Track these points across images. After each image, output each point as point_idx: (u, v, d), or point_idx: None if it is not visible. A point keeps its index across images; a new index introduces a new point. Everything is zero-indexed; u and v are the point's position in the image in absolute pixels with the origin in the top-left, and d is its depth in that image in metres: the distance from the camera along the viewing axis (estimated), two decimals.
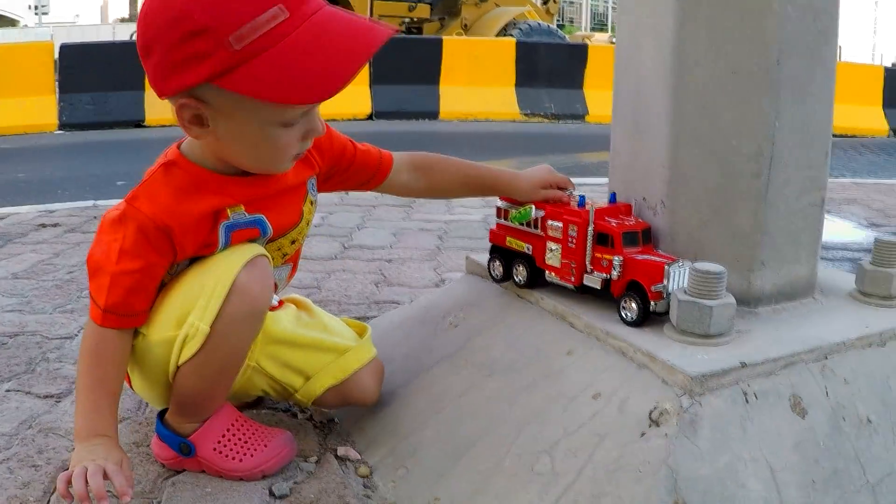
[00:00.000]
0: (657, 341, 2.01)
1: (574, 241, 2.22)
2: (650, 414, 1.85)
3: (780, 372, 1.96)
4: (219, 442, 2.15)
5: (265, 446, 2.17)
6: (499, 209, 2.46)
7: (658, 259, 2.12)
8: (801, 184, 2.24)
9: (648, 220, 2.32)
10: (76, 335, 3.20)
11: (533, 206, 2.35)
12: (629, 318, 2.12)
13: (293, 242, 2.27)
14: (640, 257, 2.14)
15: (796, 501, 1.79)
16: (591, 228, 2.19)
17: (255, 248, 2.05)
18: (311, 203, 2.28)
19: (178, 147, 2.07)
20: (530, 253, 2.36)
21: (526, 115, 14.36)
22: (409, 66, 13.91)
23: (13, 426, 2.45)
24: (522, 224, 2.37)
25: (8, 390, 2.71)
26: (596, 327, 2.13)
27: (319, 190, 2.34)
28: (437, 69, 14.18)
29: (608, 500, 1.76)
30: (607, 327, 2.10)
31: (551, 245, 2.29)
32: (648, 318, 2.10)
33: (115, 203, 2.04)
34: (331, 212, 5.65)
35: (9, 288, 3.87)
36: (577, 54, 15.15)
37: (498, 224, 2.47)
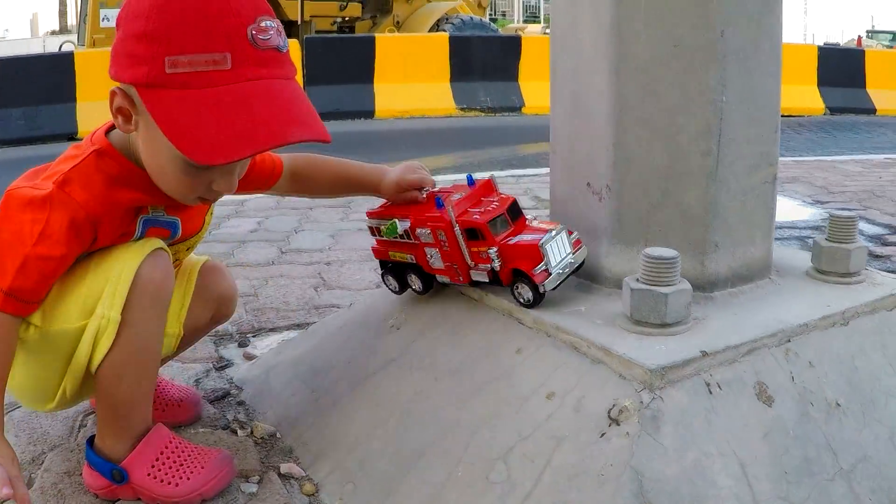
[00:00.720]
0: (611, 333, 1.91)
1: (446, 243, 2.13)
2: (609, 412, 1.74)
3: (742, 359, 1.88)
4: (153, 466, 2.04)
5: (202, 468, 2.06)
6: (371, 228, 2.36)
7: (532, 238, 2.04)
8: (752, 160, 2.16)
9: (593, 206, 2.22)
10: None
11: (397, 220, 2.25)
12: (526, 301, 2.06)
13: (188, 249, 2.29)
14: (513, 241, 2.06)
15: (769, 495, 1.69)
16: (456, 229, 2.09)
17: (156, 242, 2.02)
18: (211, 213, 2.30)
19: (106, 134, 2.00)
20: (415, 262, 2.28)
21: (462, 109, 14.25)
22: (342, 66, 13.78)
23: None
24: (395, 237, 2.27)
25: None
26: (545, 322, 2.02)
27: None
28: (371, 67, 14.03)
29: None
30: (557, 321, 1.99)
31: (429, 251, 2.20)
32: (544, 297, 2.04)
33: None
34: (267, 216, 5.53)
35: None
36: (511, 46, 15.08)
37: (377, 240, 2.36)
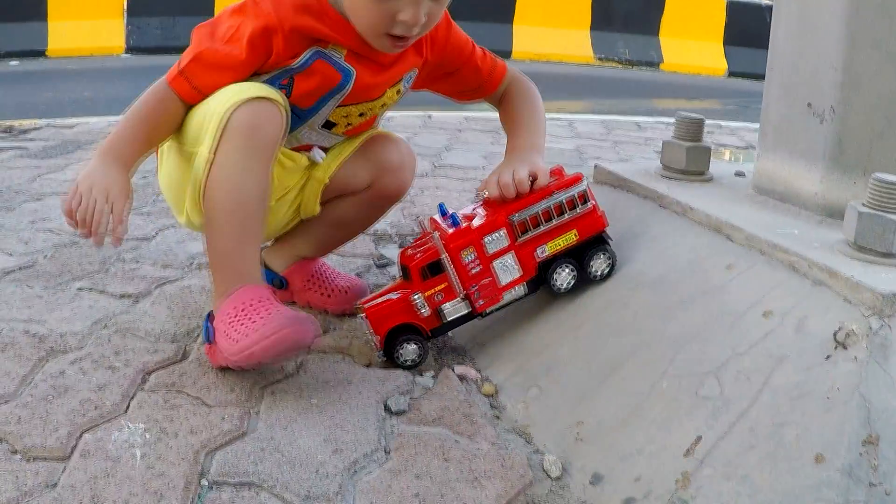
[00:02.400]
0: (832, 257, 1.78)
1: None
2: (835, 335, 1.61)
3: None
4: (230, 323, 1.94)
5: (258, 329, 1.88)
6: None
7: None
8: None
9: (813, 128, 2.10)
10: (154, 236, 3.03)
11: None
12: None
13: (361, 115, 2.26)
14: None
15: None
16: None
17: (267, 90, 2.02)
18: (398, 92, 2.29)
19: None
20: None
21: (600, 59, 14.00)
22: (482, 3, 13.64)
23: (86, 325, 2.27)
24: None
25: (80, 288, 2.53)
26: (760, 239, 1.90)
27: (419, 86, 2.36)
28: (512, 7, 13.86)
29: (792, 429, 1.52)
30: (774, 240, 1.86)
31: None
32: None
33: None
34: (415, 133, 5.43)
35: None
36: (655, 0, 14.84)
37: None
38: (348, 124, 2.26)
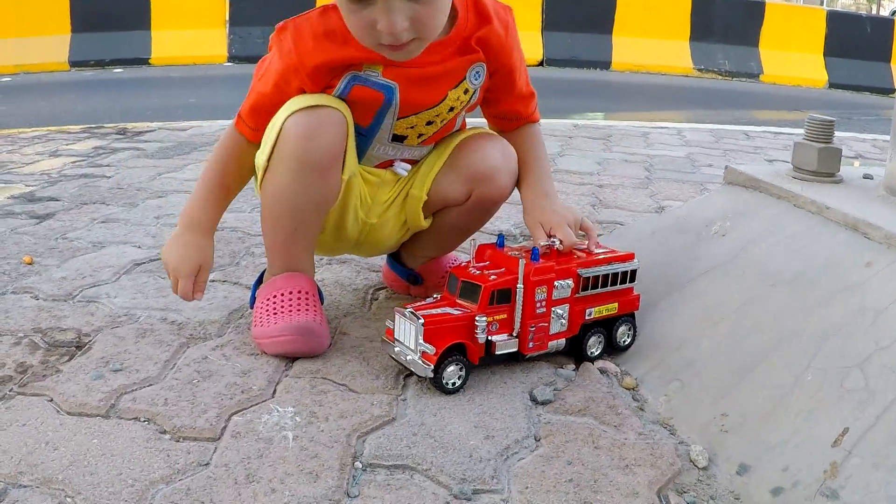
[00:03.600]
0: None
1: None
2: None
3: None
4: (261, 304, 2.19)
5: (274, 323, 2.12)
6: None
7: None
8: None
9: None
10: None
11: None
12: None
13: (429, 123, 2.20)
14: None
15: None
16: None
17: (316, 99, 2.06)
18: (466, 91, 2.17)
19: None
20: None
21: (699, 70, 13.94)
22: (582, 14, 13.64)
23: (223, 314, 2.37)
24: None
25: (213, 280, 2.63)
26: None
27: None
28: (611, 18, 13.86)
29: None
30: None
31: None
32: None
33: None
34: None
35: None
36: (754, 11, 14.65)
37: None
38: (420, 135, 2.22)
